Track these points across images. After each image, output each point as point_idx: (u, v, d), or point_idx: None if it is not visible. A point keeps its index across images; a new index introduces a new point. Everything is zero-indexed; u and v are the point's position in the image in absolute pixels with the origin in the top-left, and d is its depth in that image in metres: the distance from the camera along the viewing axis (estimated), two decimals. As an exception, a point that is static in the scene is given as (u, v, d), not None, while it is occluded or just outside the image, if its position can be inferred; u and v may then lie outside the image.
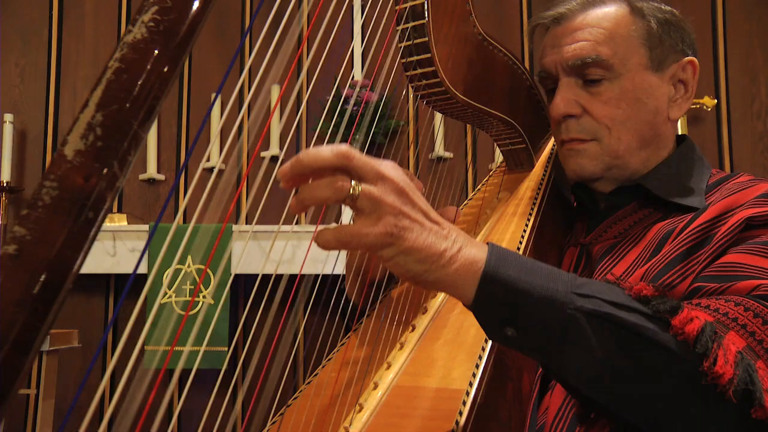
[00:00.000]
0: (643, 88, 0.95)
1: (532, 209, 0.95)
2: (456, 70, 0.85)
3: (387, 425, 0.68)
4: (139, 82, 0.51)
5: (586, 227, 1.01)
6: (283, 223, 3.16)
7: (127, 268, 2.73)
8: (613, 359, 0.64)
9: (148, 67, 0.52)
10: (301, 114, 3.28)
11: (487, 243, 0.66)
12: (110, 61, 0.52)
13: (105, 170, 0.48)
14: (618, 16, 0.95)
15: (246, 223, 3.15)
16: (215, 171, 0.80)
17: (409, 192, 0.61)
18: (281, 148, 3.20)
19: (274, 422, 0.74)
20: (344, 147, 0.59)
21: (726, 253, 0.80)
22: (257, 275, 3.33)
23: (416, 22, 0.80)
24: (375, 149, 3.23)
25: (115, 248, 2.76)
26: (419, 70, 0.82)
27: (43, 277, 0.45)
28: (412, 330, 0.82)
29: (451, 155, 3.14)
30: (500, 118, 0.95)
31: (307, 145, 3.23)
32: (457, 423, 0.65)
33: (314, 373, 0.81)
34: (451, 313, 0.82)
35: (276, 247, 2.78)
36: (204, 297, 2.71)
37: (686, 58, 0.97)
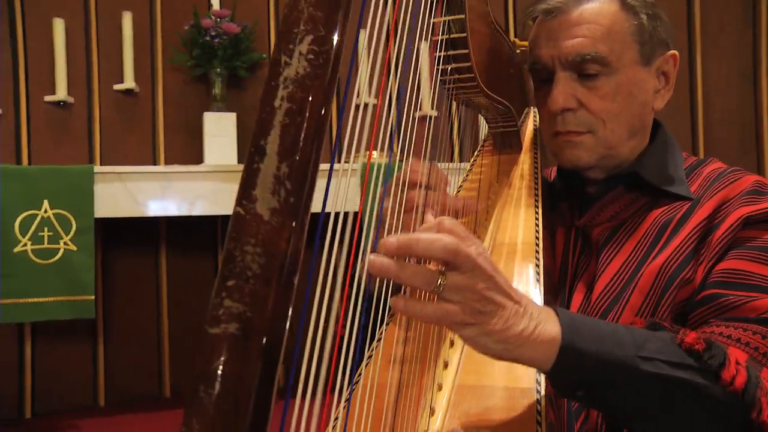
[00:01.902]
0: (635, 83, 1.01)
1: (537, 198, 0.99)
2: (481, 63, 0.85)
3: (468, 428, 0.70)
4: (307, 123, 0.47)
5: (574, 210, 1.06)
6: (147, 164, 2.97)
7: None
8: (671, 409, 0.75)
9: (315, 104, 0.48)
10: (156, 45, 3.05)
11: (555, 310, 0.71)
12: (276, 100, 0.47)
13: (298, 227, 0.45)
14: (612, 12, 0.99)
15: (101, 164, 2.92)
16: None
17: (495, 276, 0.64)
18: (136, 81, 2.98)
19: (334, 426, 0.73)
20: (453, 243, 0.61)
21: (729, 252, 0.91)
22: (124, 219, 3.10)
23: (454, 17, 0.79)
24: (237, 83, 3.10)
25: (-45, 193, 2.46)
26: (454, 65, 0.81)
27: (266, 355, 0.42)
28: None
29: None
30: (504, 105, 0.97)
31: (164, 80, 3.03)
32: (538, 422, 0.69)
33: (358, 373, 0.80)
34: None
35: (143, 189, 2.62)
36: (65, 244, 2.51)
37: (670, 51, 1.04)
